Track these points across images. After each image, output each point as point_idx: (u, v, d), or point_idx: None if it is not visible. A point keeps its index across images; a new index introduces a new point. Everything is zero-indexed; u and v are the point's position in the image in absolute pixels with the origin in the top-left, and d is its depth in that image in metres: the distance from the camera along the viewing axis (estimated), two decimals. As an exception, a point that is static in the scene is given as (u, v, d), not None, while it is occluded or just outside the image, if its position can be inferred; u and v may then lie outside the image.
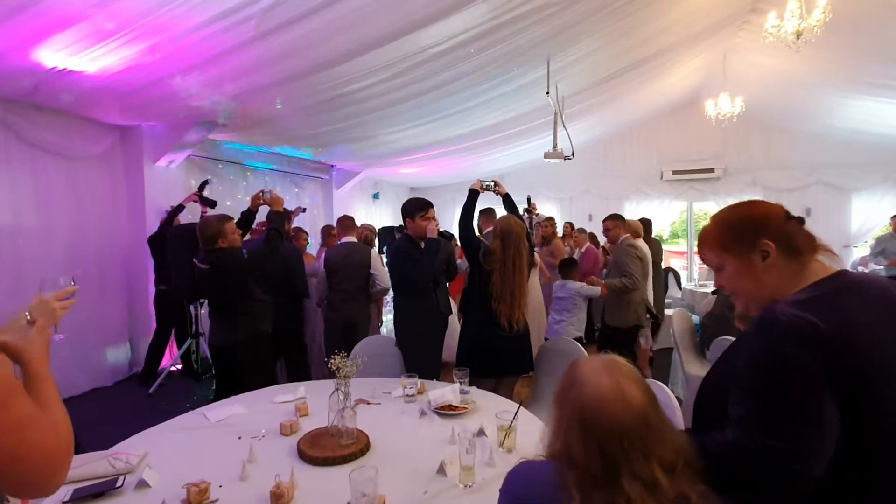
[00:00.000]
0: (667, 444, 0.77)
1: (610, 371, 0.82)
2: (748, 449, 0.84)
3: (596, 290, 3.86)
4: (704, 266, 9.14)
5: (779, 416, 0.83)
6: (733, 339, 2.58)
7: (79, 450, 1.88)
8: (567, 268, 4.13)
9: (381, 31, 3.35)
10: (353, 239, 3.91)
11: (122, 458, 1.53)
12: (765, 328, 0.89)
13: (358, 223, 4.37)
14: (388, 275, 3.73)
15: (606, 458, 0.76)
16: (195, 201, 4.54)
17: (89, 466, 1.50)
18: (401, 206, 2.90)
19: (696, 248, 9.38)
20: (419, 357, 2.54)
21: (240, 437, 1.71)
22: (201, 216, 4.51)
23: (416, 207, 2.77)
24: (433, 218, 2.77)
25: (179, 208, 4.54)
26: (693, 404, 1.05)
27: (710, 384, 1.02)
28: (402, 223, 2.93)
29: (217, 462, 1.54)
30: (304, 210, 4.92)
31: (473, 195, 2.78)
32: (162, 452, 1.61)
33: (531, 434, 1.67)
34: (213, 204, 4.61)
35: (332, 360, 1.67)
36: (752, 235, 0.97)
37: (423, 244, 2.73)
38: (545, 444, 0.86)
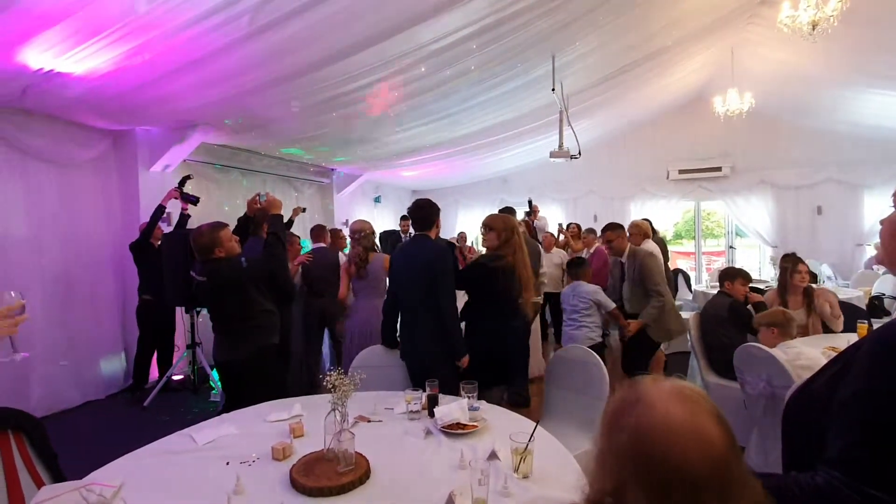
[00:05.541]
0: (747, 501, 0.61)
1: (684, 399, 0.63)
2: (843, 494, 0.68)
3: (610, 304, 3.55)
4: (712, 267, 9.03)
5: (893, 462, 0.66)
6: (761, 346, 2.43)
7: (58, 476, 1.76)
8: (577, 268, 3.79)
9: (380, 26, 3.22)
10: (322, 244, 4.41)
11: (95, 489, 1.38)
12: (890, 347, 0.70)
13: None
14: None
15: None
16: (175, 198, 4.21)
17: (59, 500, 1.36)
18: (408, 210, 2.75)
19: (704, 249, 9.30)
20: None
21: (228, 463, 1.56)
22: (181, 214, 4.33)
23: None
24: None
25: (161, 210, 4.15)
26: (782, 426, 0.88)
27: (805, 403, 0.85)
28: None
29: (201, 493, 1.39)
30: (304, 210, 4.75)
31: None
32: (140, 482, 1.46)
33: (548, 456, 1.52)
34: (195, 200, 4.33)
35: (328, 377, 1.52)
36: None
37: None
38: (588, 483, 0.69)
